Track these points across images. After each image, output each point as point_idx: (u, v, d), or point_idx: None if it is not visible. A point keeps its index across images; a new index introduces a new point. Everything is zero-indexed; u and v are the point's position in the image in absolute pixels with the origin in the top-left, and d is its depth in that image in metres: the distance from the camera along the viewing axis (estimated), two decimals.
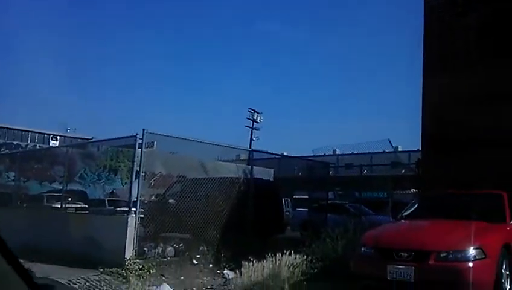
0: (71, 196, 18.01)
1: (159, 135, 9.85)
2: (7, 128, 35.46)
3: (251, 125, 41.49)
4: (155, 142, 11.14)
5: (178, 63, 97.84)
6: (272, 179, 14.29)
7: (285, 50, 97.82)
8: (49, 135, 36.98)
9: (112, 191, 24.15)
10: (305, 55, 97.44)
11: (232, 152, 17.21)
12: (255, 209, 10.79)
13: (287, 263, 7.21)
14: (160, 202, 10.94)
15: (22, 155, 17.42)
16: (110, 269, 8.17)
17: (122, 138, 10.00)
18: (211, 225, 10.05)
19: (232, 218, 10.37)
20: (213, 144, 11.62)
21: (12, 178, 16.64)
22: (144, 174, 9.03)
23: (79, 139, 35.85)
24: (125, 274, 8.00)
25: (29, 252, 9.93)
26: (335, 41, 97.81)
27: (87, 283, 7.78)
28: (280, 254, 7.37)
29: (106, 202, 17.53)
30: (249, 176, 11.33)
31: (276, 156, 16.91)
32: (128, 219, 8.66)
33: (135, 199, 8.87)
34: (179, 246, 9.36)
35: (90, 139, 36.52)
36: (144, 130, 9.15)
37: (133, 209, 8.91)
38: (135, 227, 8.63)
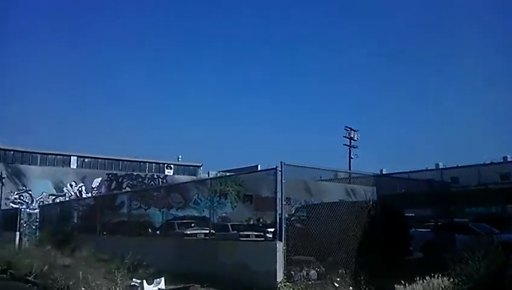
0: (194, 222, 19.37)
1: (293, 166, 10.58)
2: (128, 160, 38.97)
3: (349, 144, 41.57)
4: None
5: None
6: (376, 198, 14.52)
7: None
8: (163, 164, 40.20)
9: (225, 216, 25.51)
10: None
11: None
12: (383, 231, 11.09)
13: (440, 286, 7.53)
14: (290, 226, 11.61)
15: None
16: None
17: (264, 170, 10.94)
18: (343, 248, 10.48)
19: (364, 241, 10.72)
20: (338, 171, 12.39)
21: (135, 207, 18.32)
22: (285, 203, 9.83)
23: (191, 167, 38.68)
24: None
25: (184, 277, 10.87)
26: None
27: None
28: (429, 277, 7.71)
29: (229, 226, 18.64)
30: (375, 198, 11.73)
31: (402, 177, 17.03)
32: (277, 245, 9.48)
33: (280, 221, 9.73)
34: (320, 269, 9.95)
35: (200, 166, 39.13)
36: (281, 162, 10.03)
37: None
38: (283, 252, 9.41)
